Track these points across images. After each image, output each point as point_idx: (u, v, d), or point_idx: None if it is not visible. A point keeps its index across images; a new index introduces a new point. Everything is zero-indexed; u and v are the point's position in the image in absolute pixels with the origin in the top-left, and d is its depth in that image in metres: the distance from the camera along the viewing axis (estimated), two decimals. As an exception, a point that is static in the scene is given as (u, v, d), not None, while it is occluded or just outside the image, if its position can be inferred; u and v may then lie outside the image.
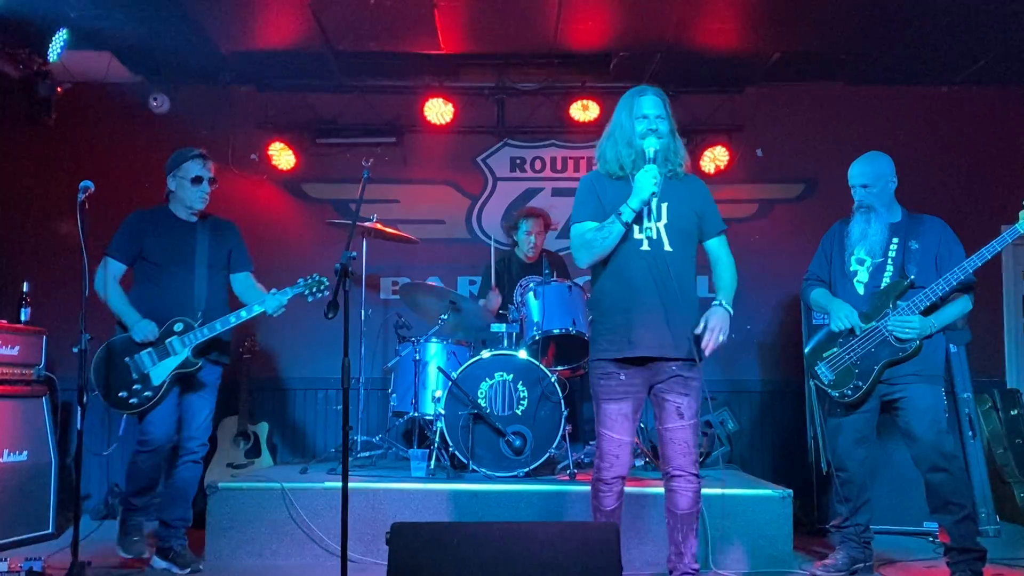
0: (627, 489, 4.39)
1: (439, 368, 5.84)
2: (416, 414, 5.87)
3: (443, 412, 5.54)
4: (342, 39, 6.57)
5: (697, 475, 3.97)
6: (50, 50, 6.19)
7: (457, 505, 5.14)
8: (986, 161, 7.21)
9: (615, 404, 3.95)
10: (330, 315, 4.22)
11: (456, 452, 5.51)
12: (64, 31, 6.13)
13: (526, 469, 5.40)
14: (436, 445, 5.62)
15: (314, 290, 4.92)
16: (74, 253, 4.38)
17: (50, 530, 5.73)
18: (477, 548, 3.35)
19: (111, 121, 7.25)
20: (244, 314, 4.88)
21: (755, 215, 7.45)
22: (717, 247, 4.12)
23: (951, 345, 6.25)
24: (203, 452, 5.06)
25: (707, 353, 3.89)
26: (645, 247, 3.92)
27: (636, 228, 3.92)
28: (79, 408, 4.39)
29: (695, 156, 7.30)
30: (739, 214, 7.43)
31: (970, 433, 6.21)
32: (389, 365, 6.22)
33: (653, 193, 3.82)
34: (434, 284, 6.05)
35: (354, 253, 4.12)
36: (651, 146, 3.89)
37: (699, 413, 4.02)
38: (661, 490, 5.04)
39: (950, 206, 6.63)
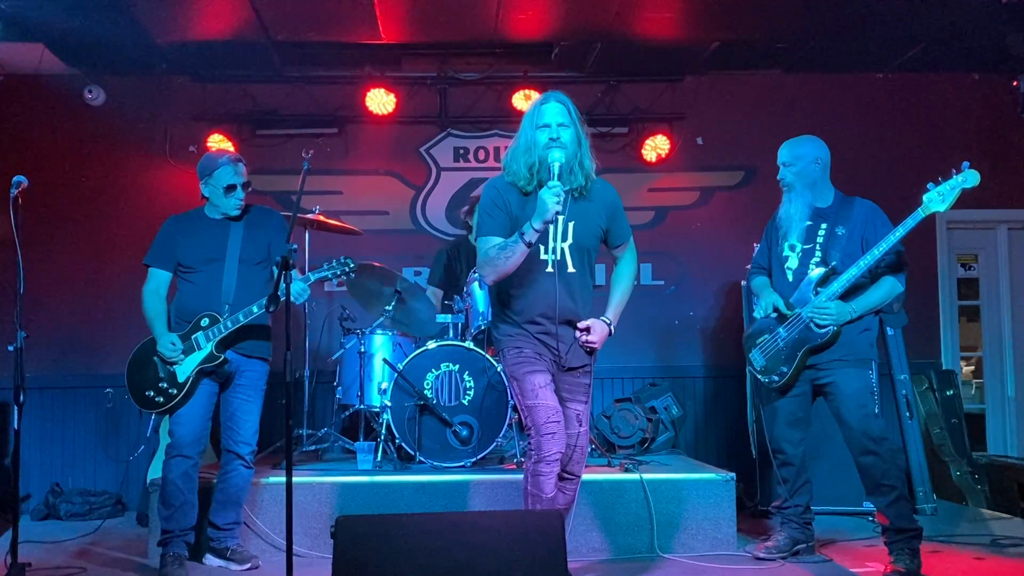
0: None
1: (385, 360, 5.82)
2: (362, 406, 5.83)
3: (389, 404, 5.53)
4: (281, 29, 6.48)
5: (580, 477, 4.16)
6: (-21, 42, 6.05)
7: (404, 497, 5.13)
8: (921, 146, 7.30)
9: (540, 376, 3.91)
10: (271, 308, 4.18)
11: (403, 444, 5.49)
12: (-7, 22, 5.99)
13: (473, 459, 5.41)
14: (383, 437, 5.60)
15: (339, 273, 4.68)
16: (8, 249, 4.30)
17: (-12, 532, 5.64)
18: (423, 539, 3.35)
19: (45, 114, 7.09)
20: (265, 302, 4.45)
21: (696, 203, 7.50)
22: (623, 254, 4.21)
23: (888, 328, 6.38)
24: (253, 457, 4.85)
25: (587, 339, 3.99)
26: (550, 269, 3.91)
27: (542, 248, 3.90)
28: (16, 408, 4.31)
29: (636, 145, 7.37)
30: (680, 202, 7.50)
31: (907, 414, 6.34)
32: (334, 358, 6.18)
33: (557, 212, 3.67)
34: (380, 264, 5.91)
35: (295, 245, 4.08)
36: (556, 160, 3.76)
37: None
38: (607, 476, 5.15)
39: (886, 192, 6.74)
